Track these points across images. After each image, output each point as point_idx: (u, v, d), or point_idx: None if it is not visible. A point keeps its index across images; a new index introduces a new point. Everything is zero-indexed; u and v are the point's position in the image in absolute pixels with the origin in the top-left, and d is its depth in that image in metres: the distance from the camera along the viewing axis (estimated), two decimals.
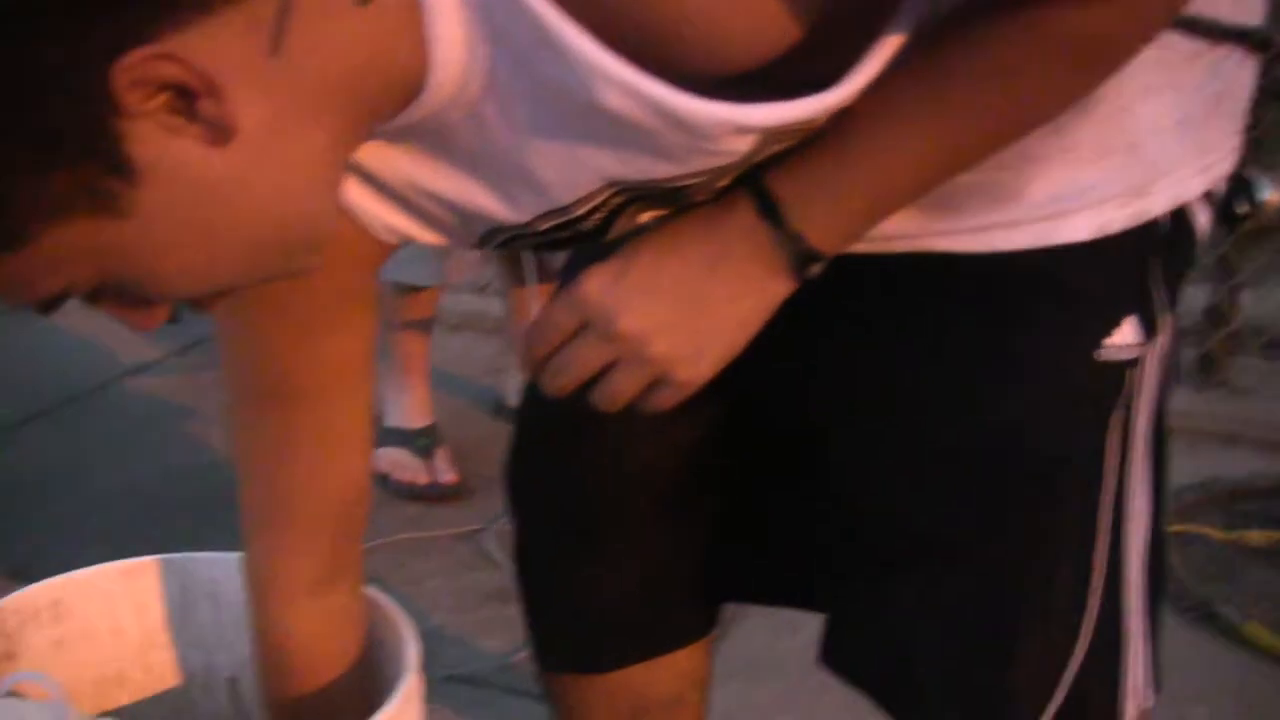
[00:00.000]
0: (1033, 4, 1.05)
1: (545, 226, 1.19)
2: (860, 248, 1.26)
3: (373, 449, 1.45)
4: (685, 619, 1.72)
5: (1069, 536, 1.40)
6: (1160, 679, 1.48)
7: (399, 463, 3.46)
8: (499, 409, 3.84)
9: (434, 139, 1.14)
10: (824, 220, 1.17)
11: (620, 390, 1.23)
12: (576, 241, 1.23)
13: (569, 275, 1.30)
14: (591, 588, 1.67)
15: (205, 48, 0.97)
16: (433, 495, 3.48)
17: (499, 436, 3.55)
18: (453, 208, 1.20)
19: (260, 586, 1.48)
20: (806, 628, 1.69)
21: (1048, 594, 1.42)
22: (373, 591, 1.57)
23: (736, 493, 1.62)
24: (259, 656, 1.53)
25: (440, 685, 1.58)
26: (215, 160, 1.00)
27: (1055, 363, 1.36)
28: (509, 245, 1.25)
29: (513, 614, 2.89)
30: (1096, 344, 1.34)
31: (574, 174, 1.12)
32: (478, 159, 1.14)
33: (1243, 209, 1.41)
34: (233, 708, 1.75)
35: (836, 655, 1.60)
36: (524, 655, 2.79)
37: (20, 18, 0.94)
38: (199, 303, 1.11)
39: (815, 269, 1.19)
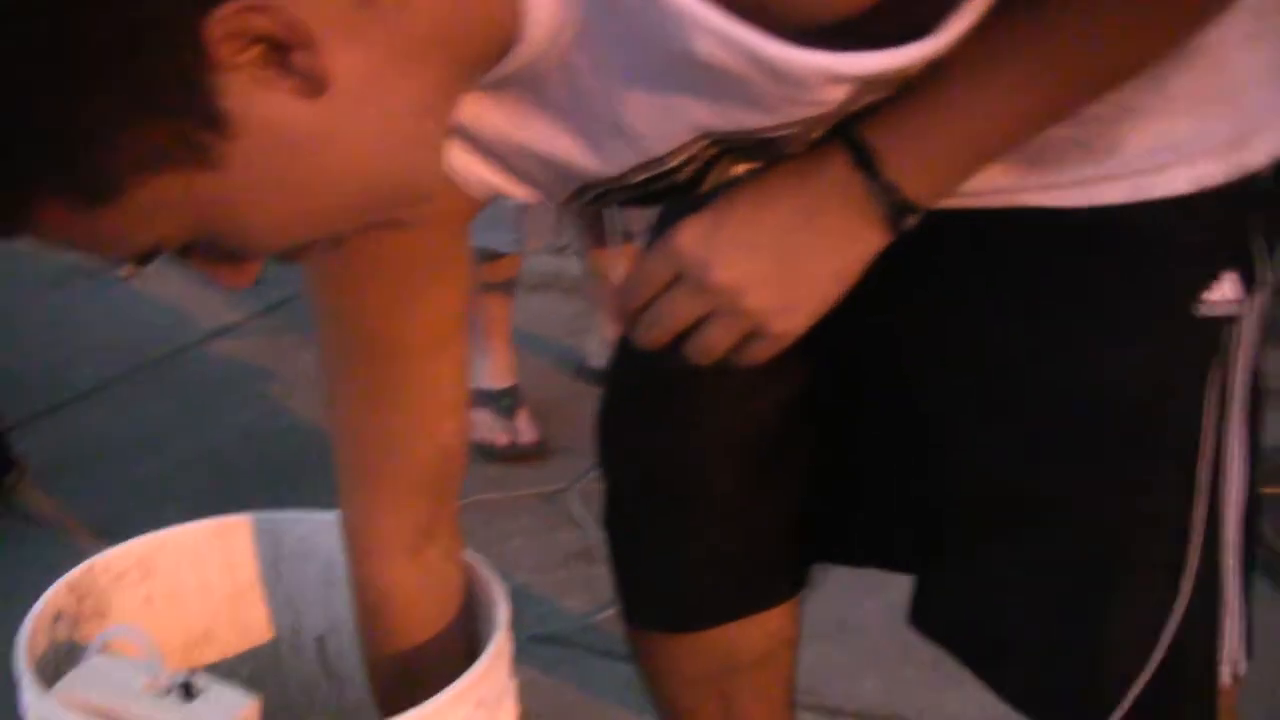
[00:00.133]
0: None
1: (638, 179, 1.18)
2: (955, 203, 1.25)
3: (468, 406, 1.45)
4: (775, 578, 1.72)
5: (1167, 496, 1.39)
6: (1253, 644, 1.46)
7: (481, 423, 3.47)
8: (580, 369, 3.84)
9: (527, 92, 1.13)
10: (919, 171, 1.16)
11: (714, 343, 1.22)
12: (669, 195, 1.22)
13: (662, 228, 1.29)
14: (682, 546, 1.67)
15: (298, 0, 0.97)
16: (514, 455, 3.49)
17: (580, 397, 3.61)
18: (545, 162, 1.19)
19: (358, 544, 1.48)
20: (890, 589, 1.69)
21: (1145, 555, 1.41)
22: (467, 553, 1.57)
23: (828, 452, 1.61)
24: (357, 612, 1.54)
25: (524, 645, 1.58)
26: (308, 113, 0.99)
27: (1153, 318, 1.35)
28: (601, 200, 1.24)
29: (595, 574, 2.93)
30: (1195, 299, 1.32)
31: (667, 125, 1.11)
32: (571, 111, 1.13)
33: None
34: (321, 667, 1.75)
35: (925, 616, 1.60)
36: (607, 615, 2.80)
37: None
38: (290, 256, 1.11)
39: (910, 221, 1.18)
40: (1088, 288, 1.35)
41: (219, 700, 1.43)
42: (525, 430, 3.53)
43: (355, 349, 1.38)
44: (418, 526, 1.46)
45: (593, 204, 1.26)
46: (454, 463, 1.46)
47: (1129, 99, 1.23)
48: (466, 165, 1.22)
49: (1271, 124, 1.30)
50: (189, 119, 0.96)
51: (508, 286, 3.60)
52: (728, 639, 1.72)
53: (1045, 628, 1.47)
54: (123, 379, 3.98)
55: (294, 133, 1.00)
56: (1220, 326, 1.34)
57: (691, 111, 1.10)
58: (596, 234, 3.58)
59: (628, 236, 3.47)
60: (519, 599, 1.56)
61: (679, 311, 1.22)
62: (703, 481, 1.63)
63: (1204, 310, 1.32)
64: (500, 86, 1.12)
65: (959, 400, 1.45)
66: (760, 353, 1.23)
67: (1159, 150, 1.28)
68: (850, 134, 1.16)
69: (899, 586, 1.64)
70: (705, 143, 1.14)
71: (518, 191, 1.24)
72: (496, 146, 1.19)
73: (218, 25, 0.94)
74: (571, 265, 4.10)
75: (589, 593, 2.93)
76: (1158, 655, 1.42)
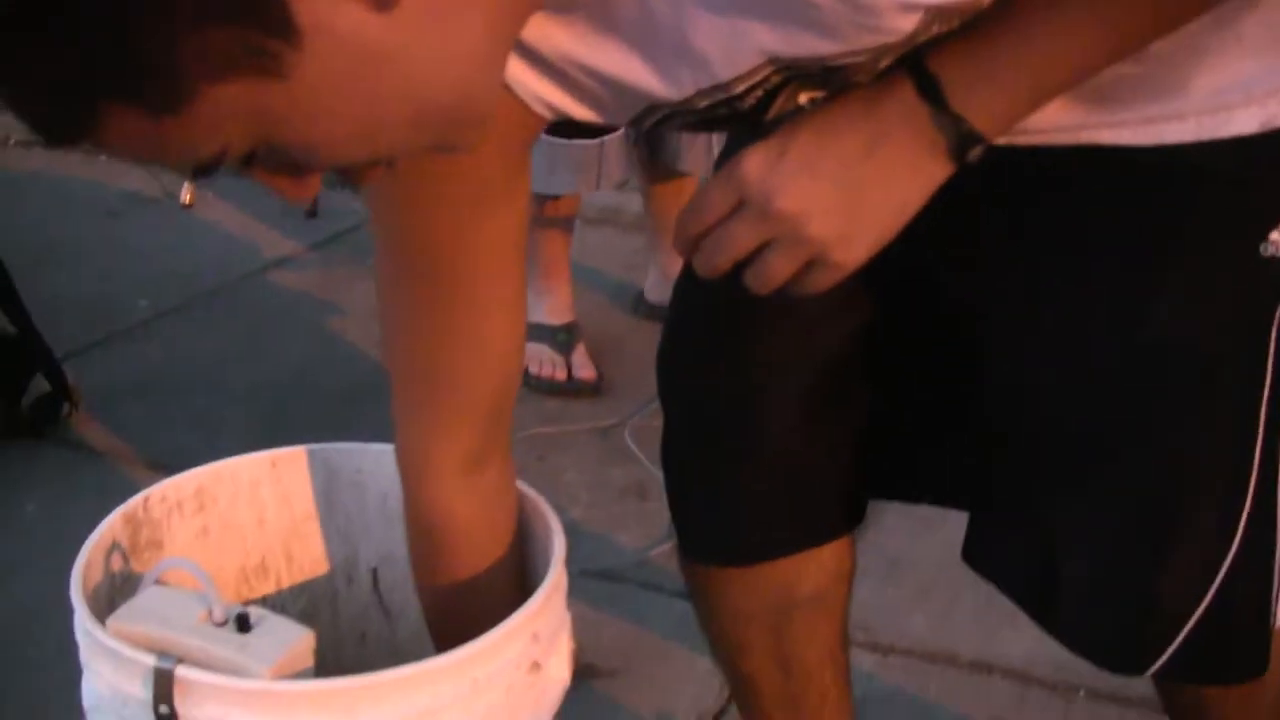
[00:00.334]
0: None
1: (703, 104, 1.18)
2: (1020, 140, 1.26)
3: (523, 334, 1.45)
4: (831, 514, 1.71)
5: (1226, 436, 1.39)
6: None
7: (538, 358, 3.47)
8: (638, 305, 3.84)
9: (596, 14, 1.12)
10: (985, 102, 1.15)
11: (775, 271, 1.21)
12: (733, 121, 1.22)
13: (727, 157, 1.28)
14: (739, 480, 1.66)
15: None
16: (571, 390, 3.49)
17: (637, 332, 3.61)
18: (611, 84, 1.18)
19: (413, 467, 1.48)
20: (943, 527, 1.68)
21: (1203, 496, 1.41)
22: (521, 485, 1.57)
23: (887, 388, 1.60)
24: (412, 538, 1.53)
25: (577, 580, 1.57)
26: (378, 26, 0.99)
27: (1217, 258, 1.35)
28: (665, 124, 1.24)
29: (649, 509, 2.93)
30: (1261, 240, 1.32)
31: (735, 49, 1.11)
32: (639, 34, 1.13)
33: None
34: (375, 600, 1.76)
35: (979, 553, 1.61)
36: (659, 551, 2.81)
37: None
38: (352, 173, 1.10)
39: (975, 153, 1.17)
40: (1152, 227, 1.35)
41: (274, 633, 1.43)
42: (582, 366, 3.53)
43: (413, 271, 1.37)
44: (472, 451, 1.46)
45: (657, 127, 1.26)
46: (508, 389, 1.46)
47: (1197, 38, 1.22)
48: (530, 84, 1.22)
49: None
50: (259, 27, 0.95)
51: (567, 224, 3.60)
52: (782, 574, 1.72)
53: (1100, 567, 1.47)
54: (178, 310, 3.99)
55: (363, 46, 0.99)
56: None
57: (758, 36, 1.09)
58: (657, 172, 3.58)
59: (688, 174, 3.47)
60: (572, 534, 1.55)
61: (740, 238, 1.21)
62: (761, 416, 1.62)
63: (1270, 251, 1.32)
64: (568, 8, 1.12)
65: (1019, 339, 1.45)
66: (820, 282, 1.22)
67: (1227, 90, 1.28)
68: (917, 64, 1.15)
69: (951, 525, 1.64)
70: (771, 69, 1.13)
71: (581, 112, 1.24)
72: (562, 67, 1.19)
73: None
74: (631, 201, 4.09)
75: (642, 528, 2.94)
76: (1211, 596, 1.42)
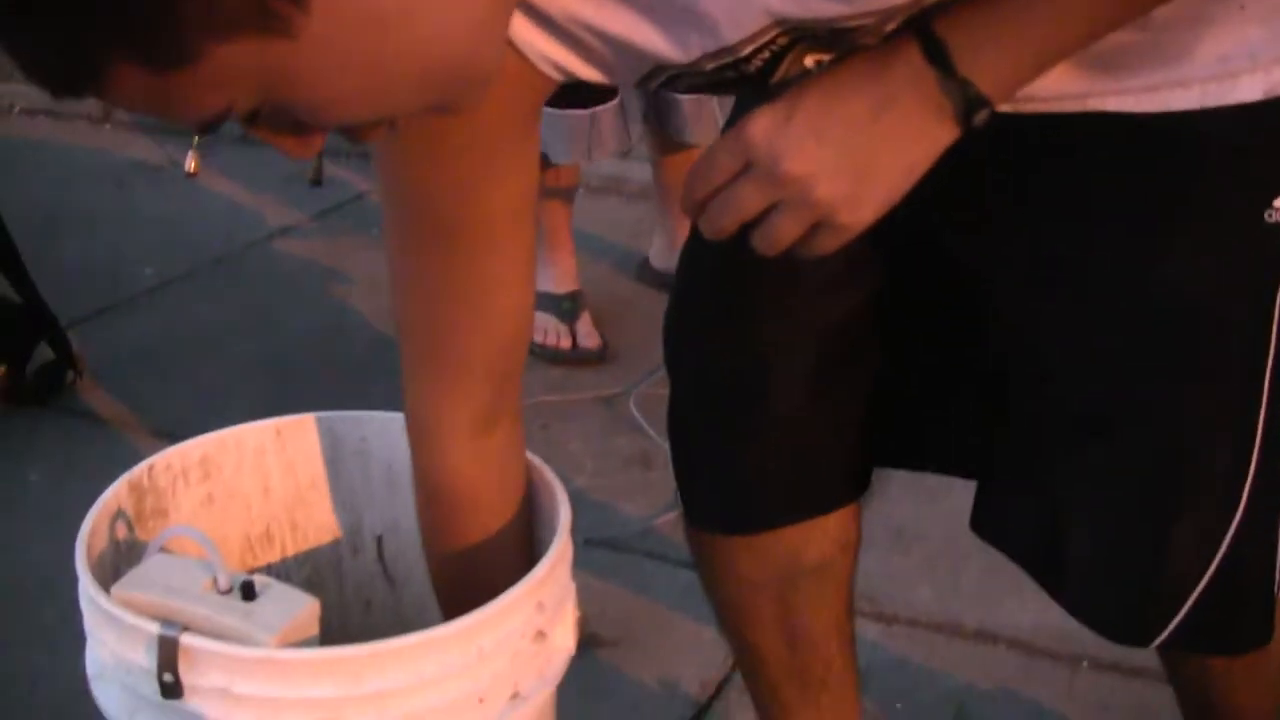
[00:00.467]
0: None
1: (710, 67, 1.17)
2: (1026, 108, 1.26)
3: (532, 296, 1.45)
4: (836, 482, 1.71)
5: (1231, 402, 1.39)
6: None
7: (543, 326, 3.47)
8: (642, 272, 3.84)
9: None
10: (992, 66, 1.15)
11: (781, 233, 1.21)
12: (740, 84, 1.22)
13: (733, 119, 1.27)
14: (745, 448, 1.66)
15: None
16: (575, 359, 3.49)
17: (641, 301, 3.61)
18: (618, 45, 1.18)
19: (422, 428, 1.48)
20: (948, 497, 1.68)
21: (1208, 463, 1.41)
22: (528, 455, 1.57)
23: (893, 354, 1.60)
24: (420, 500, 1.53)
25: (581, 549, 1.58)
26: None
27: (1222, 224, 1.35)
28: (670, 85, 1.24)
29: (653, 479, 2.94)
30: (1266, 206, 1.32)
31: (742, 11, 1.10)
32: None
33: None
34: (379, 569, 1.76)
35: (986, 521, 1.62)
36: (664, 520, 2.81)
37: None
38: (353, 133, 1.10)
39: (982, 117, 1.16)
40: (1157, 194, 1.35)
41: (278, 600, 1.43)
42: (587, 334, 3.53)
43: (422, 233, 1.37)
44: (481, 412, 1.45)
45: (662, 88, 1.26)
46: (518, 350, 1.46)
47: (1201, 5, 1.23)
48: (538, 45, 1.21)
49: None
50: None
51: (568, 194, 3.60)
52: (788, 542, 1.72)
53: (1106, 534, 1.48)
54: (184, 278, 3.99)
55: (369, 6, 0.99)
56: None
57: None
58: (665, 142, 3.58)
59: (695, 146, 3.46)
60: (577, 503, 1.55)
61: (747, 200, 1.20)
62: (768, 384, 1.62)
63: (1274, 217, 1.32)
64: None
65: (1023, 304, 1.45)
66: (827, 244, 1.22)
67: (1231, 57, 1.28)
68: (924, 27, 1.14)
69: (957, 495, 1.64)
70: (777, 30, 1.13)
71: (588, 72, 1.24)
72: (571, 28, 1.18)
73: None
74: (634, 170, 4.08)
75: (646, 497, 2.94)
76: (1215, 567, 1.43)
